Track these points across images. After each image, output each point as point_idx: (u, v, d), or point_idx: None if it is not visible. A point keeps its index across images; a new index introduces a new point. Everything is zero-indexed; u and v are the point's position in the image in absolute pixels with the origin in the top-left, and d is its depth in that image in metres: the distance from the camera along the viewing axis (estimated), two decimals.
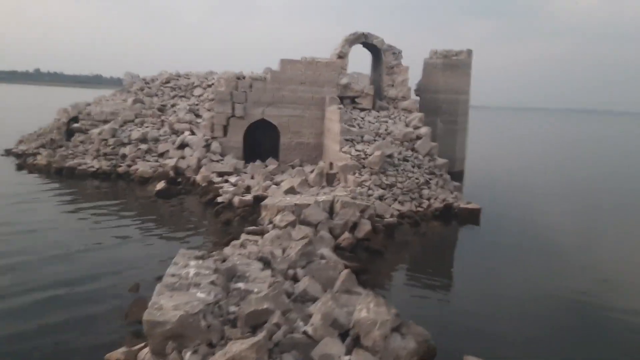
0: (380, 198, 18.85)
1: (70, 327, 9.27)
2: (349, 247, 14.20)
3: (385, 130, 23.58)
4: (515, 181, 30.56)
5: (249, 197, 19.22)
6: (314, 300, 9.14)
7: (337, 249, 13.59)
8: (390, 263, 14.29)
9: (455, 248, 16.63)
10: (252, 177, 22.90)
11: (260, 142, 27.16)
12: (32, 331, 9.13)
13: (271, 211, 15.08)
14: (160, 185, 21.10)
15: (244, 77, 26.27)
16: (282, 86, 25.51)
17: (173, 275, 8.84)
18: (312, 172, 23.61)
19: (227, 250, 11.88)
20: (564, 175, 34.89)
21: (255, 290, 8.47)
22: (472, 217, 19.41)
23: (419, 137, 23.17)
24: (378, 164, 20.25)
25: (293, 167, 25.24)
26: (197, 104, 29.01)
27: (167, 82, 32.79)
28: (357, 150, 21.63)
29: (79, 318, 9.64)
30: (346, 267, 11.57)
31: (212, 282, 8.40)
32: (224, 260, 9.91)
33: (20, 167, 25.27)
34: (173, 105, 29.89)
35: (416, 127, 24.00)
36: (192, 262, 9.25)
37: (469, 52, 29.75)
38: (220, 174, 23.00)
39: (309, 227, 13.96)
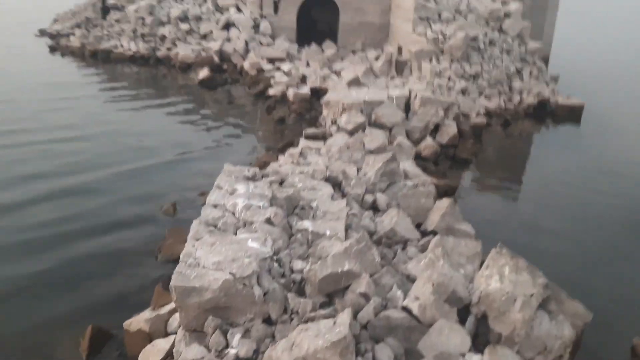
0: (463, 92, 15.59)
1: (93, 270, 7.29)
2: (432, 156, 11.46)
3: (467, 6, 19.47)
4: (612, 72, 26.01)
5: (305, 89, 16.35)
6: (405, 242, 6.70)
7: (417, 159, 10.90)
8: (483, 178, 11.54)
9: (560, 156, 13.47)
10: (308, 65, 19.82)
11: (317, 21, 23.57)
12: (51, 269, 7.25)
13: (334, 109, 12.30)
14: (204, 73, 18.45)
15: None
16: None
17: (215, 206, 6.50)
18: (377, 58, 20.24)
19: (284, 162, 9.41)
20: None
21: (328, 233, 6.04)
22: (572, 115, 15.99)
23: (507, 15, 19.03)
24: (460, 49, 16.64)
25: (354, 52, 21.83)
26: None
27: None
28: (433, 32, 17.93)
29: (103, 254, 7.66)
30: (437, 186, 8.97)
31: (269, 221, 6.02)
32: (281, 182, 7.47)
33: (53, 49, 23.00)
34: None
35: (504, 2, 19.70)
36: (241, 186, 6.85)
37: None
38: (271, 60, 19.98)
39: (382, 131, 11.20)
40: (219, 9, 23.13)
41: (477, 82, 16.20)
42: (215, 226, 6.04)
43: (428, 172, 10.02)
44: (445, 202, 7.32)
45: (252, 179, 7.28)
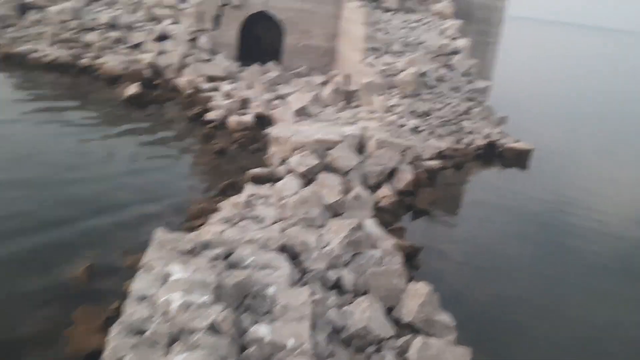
0: (415, 129, 14.84)
1: None
2: (390, 206, 10.43)
3: (416, 39, 18.96)
4: (555, 108, 26.68)
5: (248, 116, 14.97)
6: (379, 341, 5.52)
7: (376, 211, 9.82)
8: (444, 233, 10.65)
9: (518, 205, 12.94)
10: (250, 86, 18.45)
11: (260, 39, 22.28)
12: None
13: (284, 147, 11.03)
14: (133, 88, 16.54)
15: None
16: None
17: (143, 298, 5.00)
18: (323, 84, 19.24)
19: (227, 214, 7.95)
20: (610, 97, 30.89)
21: (290, 344, 4.71)
22: (520, 158, 15.70)
23: (455, 52, 18.68)
24: (412, 85, 15.96)
25: (299, 75, 20.71)
26: None
27: None
28: (384, 64, 17.19)
29: None
30: (402, 249, 7.92)
31: (214, 328, 4.60)
32: (227, 256, 6.07)
33: None
34: None
35: (453, 38, 19.38)
36: (177, 268, 5.38)
37: None
38: (210, 79, 18.41)
39: (337, 176, 10.05)
40: (154, 19, 21.23)
41: (427, 121, 15.52)
42: (143, 333, 4.55)
43: (389, 230, 8.95)
44: (422, 288, 6.22)
45: (191, 253, 5.83)
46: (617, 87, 39.52)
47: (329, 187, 9.01)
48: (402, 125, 14.73)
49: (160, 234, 6.08)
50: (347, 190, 9.52)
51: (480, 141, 15.62)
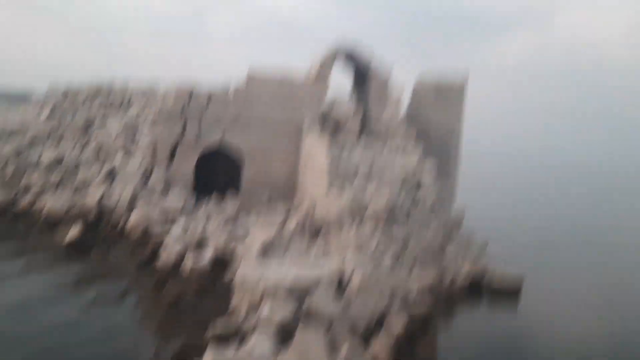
0: (396, 260, 13.51)
1: None
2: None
3: (381, 168, 18.46)
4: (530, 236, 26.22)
5: (206, 258, 13.31)
6: None
7: None
8: None
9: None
10: (208, 222, 17.01)
11: (218, 172, 21.36)
12: None
13: (251, 293, 9.33)
14: (74, 232, 14.72)
15: (198, 93, 20.51)
16: (249, 105, 19.99)
17: None
18: (288, 218, 18.05)
19: None
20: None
21: None
22: (509, 294, 14.39)
23: (421, 178, 18.21)
24: (384, 217, 14.98)
25: (260, 208, 19.55)
26: (134, 122, 22.67)
27: (97, 94, 26.26)
28: (350, 194, 16.31)
29: None
30: None
31: None
32: None
33: None
34: (102, 122, 23.41)
35: (417, 164, 19.02)
36: None
37: (465, 80, 25.47)
38: (163, 217, 16.89)
39: (319, 335, 8.31)
40: (103, 155, 20.08)
41: (404, 255, 14.28)
42: None
43: None
44: None
45: None
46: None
47: (311, 352, 7.25)
48: (378, 259, 13.41)
49: None
50: (334, 348, 7.78)
51: (464, 276, 14.36)
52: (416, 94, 24.61)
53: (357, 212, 15.28)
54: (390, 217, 15.13)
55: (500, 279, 14.52)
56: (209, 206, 18.05)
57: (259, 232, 15.32)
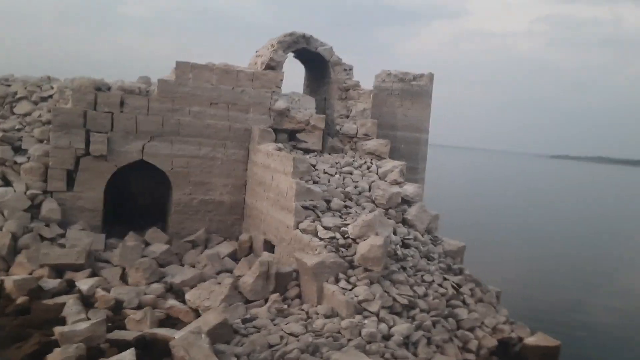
0: (407, 342, 9.43)
1: None
2: None
3: (355, 188, 14.33)
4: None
5: (129, 338, 8.43)
6: None
7: None
8: None
9: None
10: (124, 274, 12.10)
11: (136, 195, 16.33)
12: None
13: None
14: None
15: (108, 89, 15.31)
16: (179, 106, 15.08)
17: None
18: (236, 259, 13.50)
19: None
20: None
21: None
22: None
23: (406, 201, 14.30)
24: (381, 262, 10.81)
25: (195, 245, 14.78)
26: (19, 129, 16.65)
27: None
28: (326, 228, 12.03)
29: None
30: None
31: None
32: None
33: None
34: None
35: (397, 184, 15.07)
36: None
37: (431, 77, 22.15)
38: (58, 271, 11.74)
39: None
40: None
41: (415, 320, 10.22)
42: None
43: None
44: None
45: None
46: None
47: None
48: (385, 338, 9.28)
49: None
50: None
51: (489, 341, 10.56)
52: (380, 91, 20.94)
53: (341, 259, 11.04)
54: (386, 264, 11.02)
55: (532, 344, 10.85)
56: (126, 250, 12.94)
57: (201, 292, 10.69)
